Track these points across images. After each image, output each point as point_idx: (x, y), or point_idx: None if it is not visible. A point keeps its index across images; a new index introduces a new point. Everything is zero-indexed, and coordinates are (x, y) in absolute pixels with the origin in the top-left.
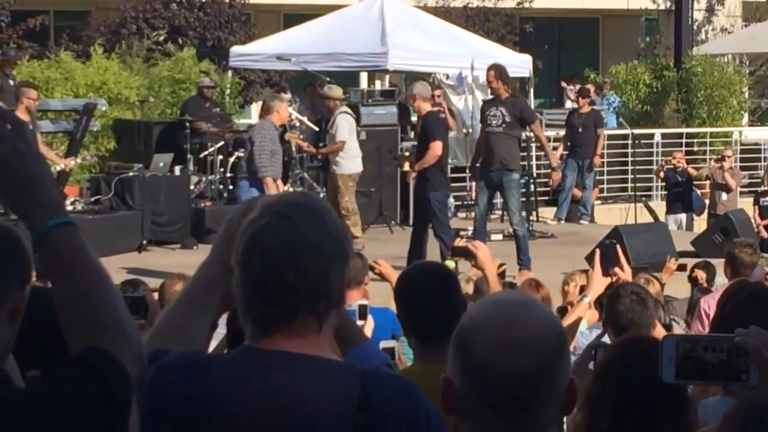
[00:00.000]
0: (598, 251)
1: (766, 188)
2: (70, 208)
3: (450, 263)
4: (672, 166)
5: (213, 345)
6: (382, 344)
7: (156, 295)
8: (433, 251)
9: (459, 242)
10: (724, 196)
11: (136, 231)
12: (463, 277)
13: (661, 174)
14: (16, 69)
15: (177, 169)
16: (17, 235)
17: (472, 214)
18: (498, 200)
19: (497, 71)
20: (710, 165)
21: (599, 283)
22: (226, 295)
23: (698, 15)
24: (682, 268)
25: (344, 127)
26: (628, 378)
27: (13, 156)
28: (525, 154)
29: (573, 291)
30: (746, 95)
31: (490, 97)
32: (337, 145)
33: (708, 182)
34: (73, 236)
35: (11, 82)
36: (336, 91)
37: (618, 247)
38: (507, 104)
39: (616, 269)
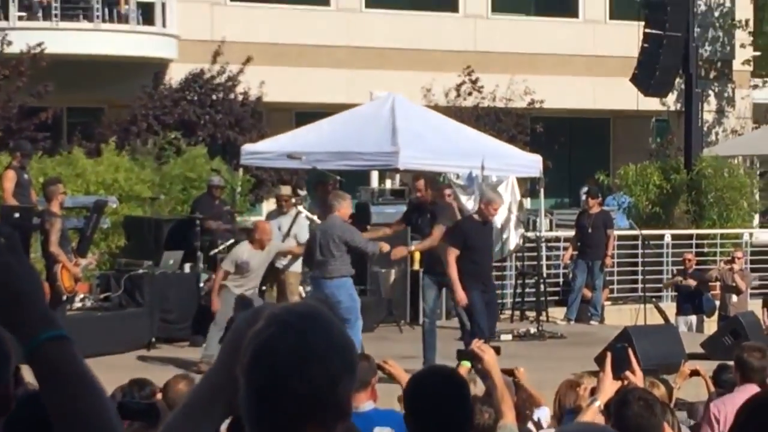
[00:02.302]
0: (609, 354)
1: None
2: (79, 305)
3: (466, 364)
4: (681, 278)
5: None
6: None
7: (160, 395)
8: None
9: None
10: (735, 297)
11: (144, 328)
12: (469, 379)
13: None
14: (28, 164)
15: (187, 267)
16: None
17: None
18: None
19: (426, 179)
20: (720, 266)
21: (610, 387)
22: (230, 402)
23: (708, 116)
24: (696, 373)
25: (306, 227)
26: None
27: (1, 270)
28: (534, 254)
29: (583, 393)
30: (757, 197)
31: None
32: (302, 247)
33: (718, 284)
34: (65, 349)
35: (26, 176)
36: (286, 189)
37: (630, 350)
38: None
39: (628, 373)
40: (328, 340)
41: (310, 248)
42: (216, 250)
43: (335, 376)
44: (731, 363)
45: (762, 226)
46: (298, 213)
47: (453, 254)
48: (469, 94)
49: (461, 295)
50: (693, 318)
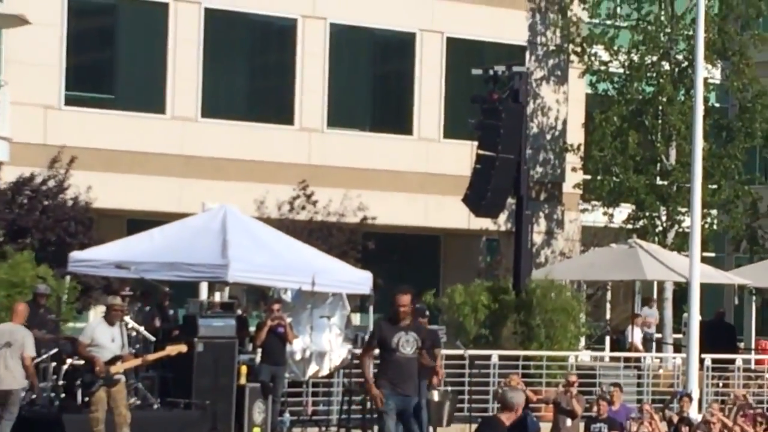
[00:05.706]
0: None
1: (596, 414)
2: None
3: None
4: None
5: None
6: None
7: None
8: None
9: None
10: (569, 422)
11: None
12: None
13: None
14: None
15: None
16: None
17: (308, 430)
18: None
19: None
20: (558, 390)
21: None
22: None
23: (538, 238)
24: None
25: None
26: None
27: None
28: (361, 371)
29: None
30: (583, 320)
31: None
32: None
33: (551, 406)
34: None
35: None
36: (119, 299)
37: None
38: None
39: None
40: None
41: None
42: (39, 359)
43: None
44: None
45: (588, 348)
46: (126, 324)
47: None
48: (303, 208)
49: None
50: None
